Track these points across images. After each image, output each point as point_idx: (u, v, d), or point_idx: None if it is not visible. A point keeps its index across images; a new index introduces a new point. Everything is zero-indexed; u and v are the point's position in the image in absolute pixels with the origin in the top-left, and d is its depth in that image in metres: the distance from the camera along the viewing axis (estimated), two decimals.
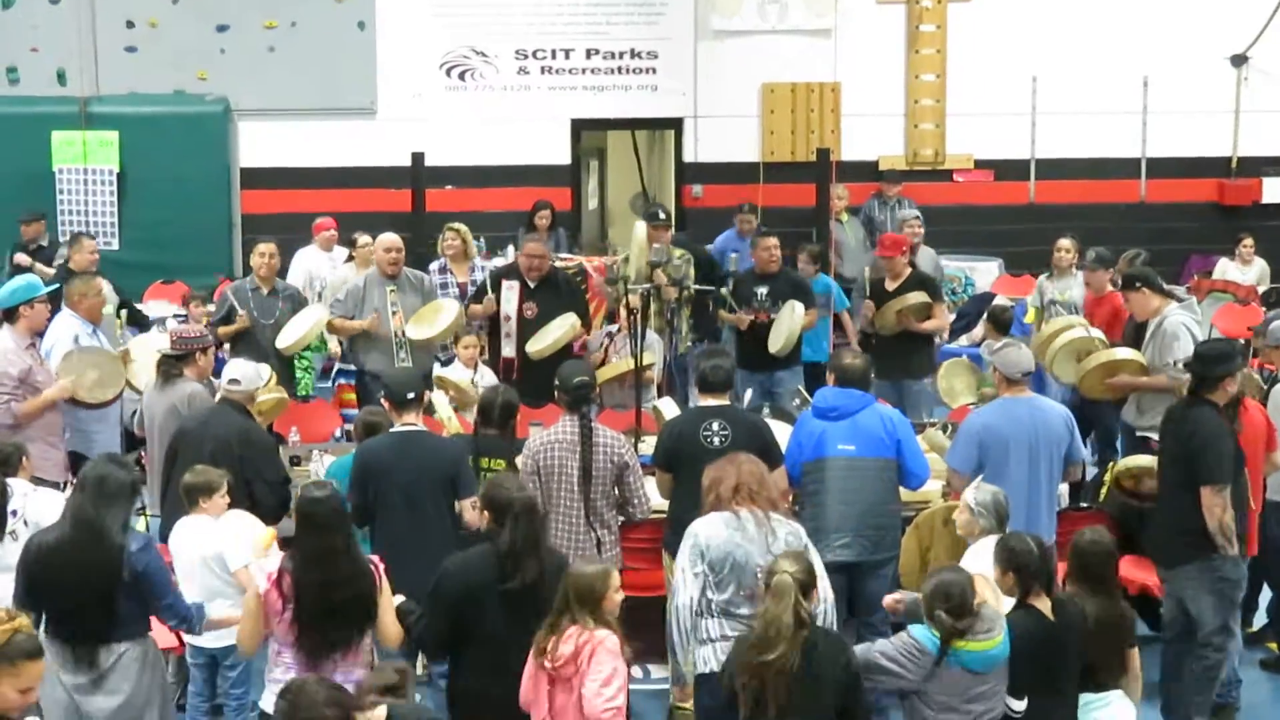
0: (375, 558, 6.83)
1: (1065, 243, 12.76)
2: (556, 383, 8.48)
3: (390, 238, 11.93)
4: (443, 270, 12.76)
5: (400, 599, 6.81)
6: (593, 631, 6.21)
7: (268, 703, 6.57)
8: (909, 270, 12.31)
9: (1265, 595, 9.73)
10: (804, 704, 6.12)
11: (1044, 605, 6.66)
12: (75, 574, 6.66)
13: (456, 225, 13.08)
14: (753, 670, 6.11)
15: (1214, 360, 8.28)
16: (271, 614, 6.58)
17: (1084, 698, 6.85)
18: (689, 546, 6.99)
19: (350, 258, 13.91)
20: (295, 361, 12.00)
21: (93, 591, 6.66)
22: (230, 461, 8.16)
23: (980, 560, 7.13)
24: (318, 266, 14.17)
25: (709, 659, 6.89)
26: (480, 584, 6.54)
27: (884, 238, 13.04)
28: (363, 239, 13.65)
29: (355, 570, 6.60)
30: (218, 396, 8.94)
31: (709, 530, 6.99)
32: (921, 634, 6.46)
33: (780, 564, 6.30)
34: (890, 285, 12.20)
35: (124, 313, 12.97)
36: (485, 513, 6.85)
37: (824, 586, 6.91)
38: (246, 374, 8.78)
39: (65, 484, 9.61)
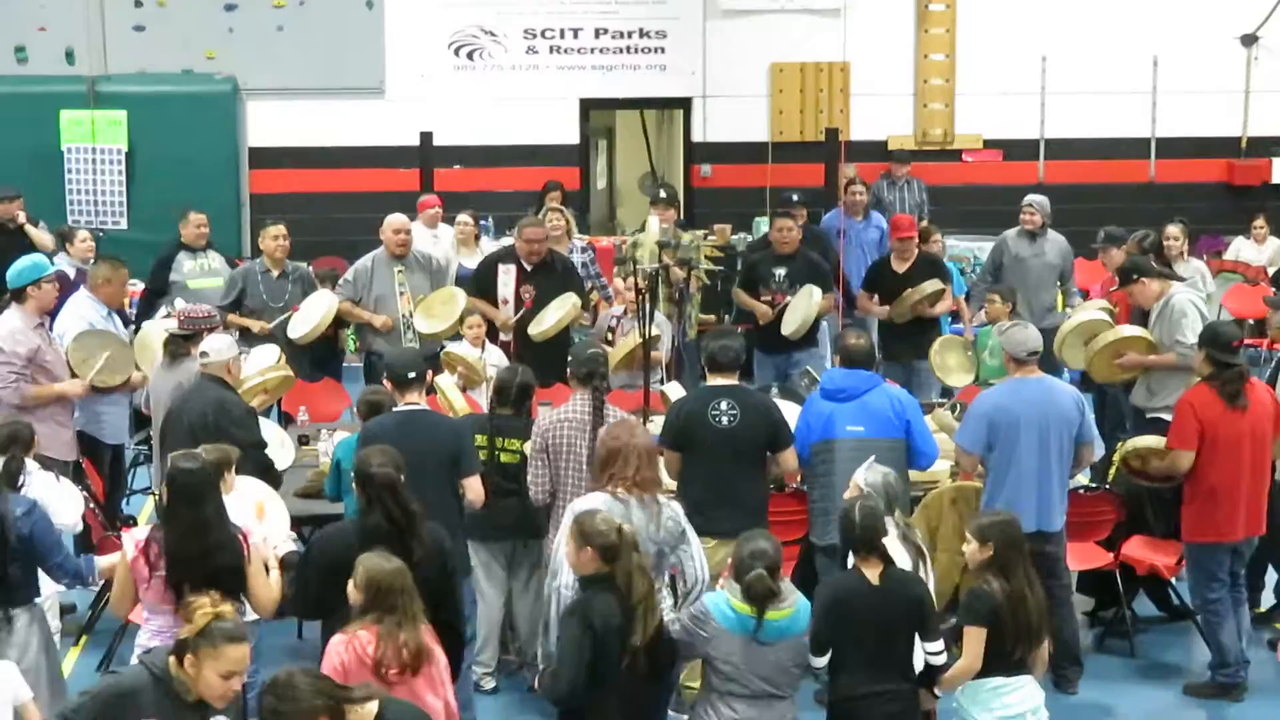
0: (243, 527, 6.92)
1: (1174, 230, 12.46)
2: (570, 359, 8.52)
3: (399, 218, 11.94)
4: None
5: (290, 547, 6.99)
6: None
7: None
8: (917, 251, 12.29)
9: (1272, 576, 9.75)
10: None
11: (872, 571, 6.59)
12: None
13: (558, 206, 13.02)
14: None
15: None
16: (139, 581, 6.70)
17: (995, 681, 6.76)
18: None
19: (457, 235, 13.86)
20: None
21: None
22: (207, 432, 8.21)
23: None
24: (420, 243, 14.02)
25: None
26: (346, 558, 6.47)
27: (895, 218, 13.00)
28: (461, 218, 13.66)
29: (227, 538, 6.72)
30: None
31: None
32: (710, 601, 6.45)
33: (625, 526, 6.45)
34: (899, 267, 12.18)
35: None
36: (355, 486, 6.92)
37: (697, 567, 7.16)
38: (216, 346, 8.81)
39: (74, 464, 9.68)
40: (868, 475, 7.32)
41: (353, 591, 6.10)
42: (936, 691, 6.83)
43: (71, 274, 12.09)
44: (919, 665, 6.68)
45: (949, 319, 13.06)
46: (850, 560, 6.70)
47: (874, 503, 6.82)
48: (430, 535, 6.88)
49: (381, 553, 6.24)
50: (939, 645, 6.67)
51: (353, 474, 7.06)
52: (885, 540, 6.77)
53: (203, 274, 12.17)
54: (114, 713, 5.47)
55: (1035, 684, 6.90)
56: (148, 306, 12.23)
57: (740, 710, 6.47)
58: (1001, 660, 6.75)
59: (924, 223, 14.26)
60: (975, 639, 6.70)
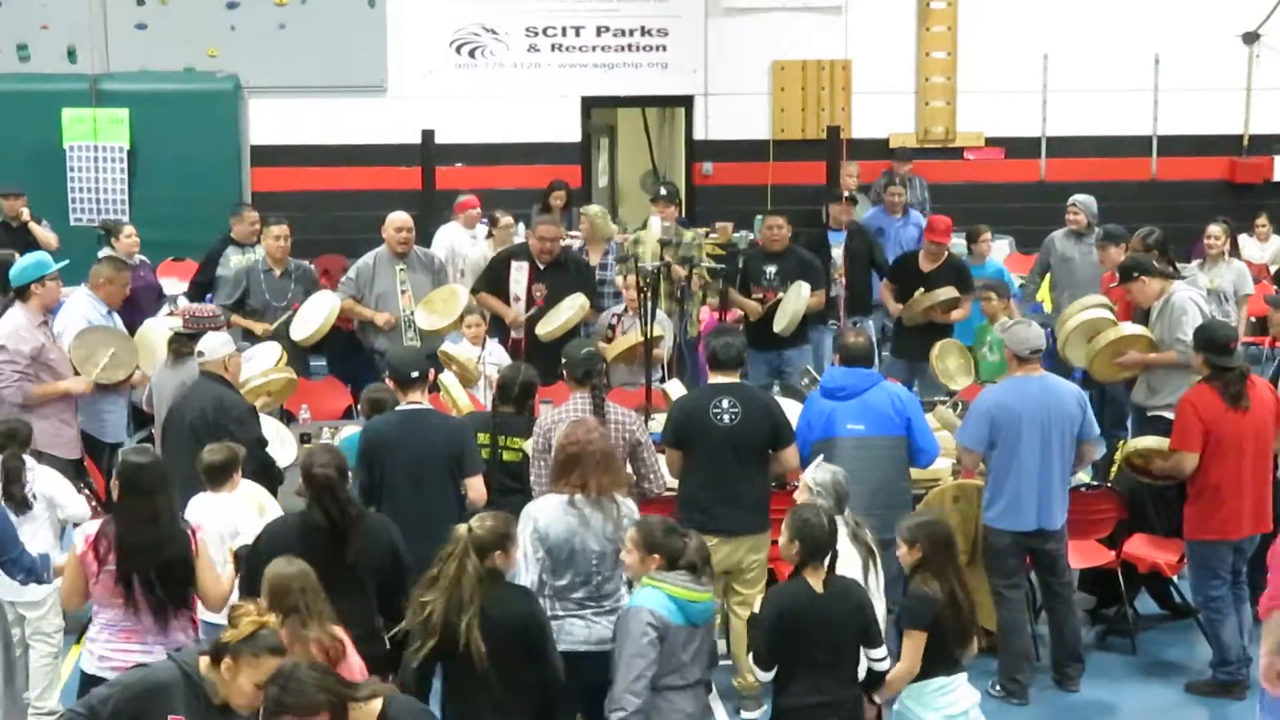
0: (192, 522, 6.97)
1: (1215, 229, 12.44)
2: (564, 360, 8.50)
3: (400, 216, 11.95)
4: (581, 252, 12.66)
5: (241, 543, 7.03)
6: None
7: (89, 664, 6.77)
8: (946, 255, 12.29)
9: None
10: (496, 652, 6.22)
11: (816, 579, 6.58)
12: None
13: (587, 209, 13.01)
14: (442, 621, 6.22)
15: None
16: (88, 576, 6.73)
17: (938, 681, 6.77)
18: (529, 532, 6.98)
19: (490, 235, 13.83)
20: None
21: None
22: (207, 430, 8.23)
23: None
24: (460, 243, 14.00)
25: None
26: (288, 552, 6.55)
27: (933, 219, 12.91)
28: (504, 219, 13.67)
29: (177, 531, 6.78)
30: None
31: (549, 517, 6.97)
32: (646, 603, 6.39)
33: (471, 520, 6.44)
34: (926, 266, 12.19)
35: None
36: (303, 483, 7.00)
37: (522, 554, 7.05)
38: (212, 344, 8.83)
39: (77, 462, 9.70)
40: (816, 474, 7.32)
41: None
42: (876, 697, 6.83)
43: None
44: (862, 673, 6.69)
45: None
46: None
47: (829, 511, 6.81)
48: (373, 534, 6.94)
49: (289, 557, 6.30)
50: (883, 652, 6.67)
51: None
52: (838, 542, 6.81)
53: None
54: (142, 705, 5.47)
55: (969, 682, 6.93)
56: (196, 299, 12.24)
57: (678, 703, 6.48)
58: (942, 661, 6.77)
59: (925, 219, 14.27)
60: (916, 642, 6.71)
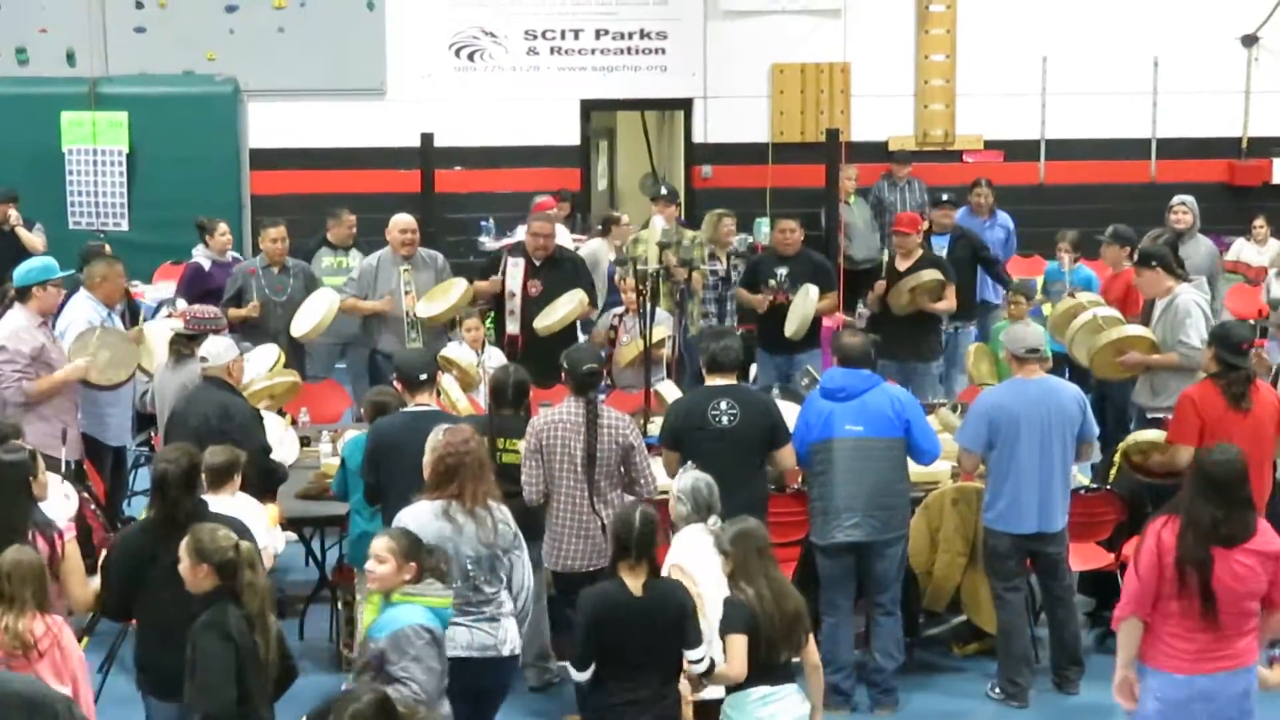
0: (60, 525, 6.95)
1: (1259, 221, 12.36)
2: (564, 366, 8.45)
3: (405, 218, 11.98)
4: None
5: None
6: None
7: None
8: (920, 250, 12.30)
9: None
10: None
11: (635, 579, 6.56)
12: None
13: (713, 211, 13.07)
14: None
15: None
16: None
17: (760, 690, 6.68)
18: None
19: (607, 233, 13.92)
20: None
21: None
22: (212, 436, 8.20)
23: (681, 548, 7.12)
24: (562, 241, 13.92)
25: None
26: (139, 555, 6.59)
27: (901, 216, 12.97)
28: (623, 218, 13.84)
29: (33, 528, 6.76)
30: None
31: (418, 523, 6.91)
32: (408, 619, 6.30)
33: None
34: (902, 265, 12.19)
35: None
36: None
37: (524, 572, 7.08)
38: (215, 350, 8.81)
39: (76, 464, 9.67)
40: (680, 480, 7.31)
41: None
42: (690, 696, 6.80)
43: (207, 265, 12.40)
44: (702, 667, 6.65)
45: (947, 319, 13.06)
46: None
47: (653, 512, 6.76)
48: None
49: (20, 545, 6.32)
50: (700, 653, 6.61)
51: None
52: (700, 549, 6.86)
53: (335, 271, 12.34)
54: None
55: (799, 694, 6.81)
56: None
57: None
58: (765, 669, 6.68)
59: (927, 224, 14.25)
60: (736, 646, 6.62)
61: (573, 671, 6.62)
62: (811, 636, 6.92)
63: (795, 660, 6.84)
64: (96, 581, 6.97)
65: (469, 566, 6.94)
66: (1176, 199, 13.04)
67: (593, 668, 6.54)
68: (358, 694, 5.38)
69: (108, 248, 12.82)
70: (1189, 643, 6.43)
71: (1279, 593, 6.48)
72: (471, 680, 6.82)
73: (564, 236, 13.44)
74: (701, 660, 6.60)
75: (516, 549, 7.14)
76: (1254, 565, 6.41)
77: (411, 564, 6.38)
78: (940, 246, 13.00)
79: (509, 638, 7.05)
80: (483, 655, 6.93)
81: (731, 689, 6.72)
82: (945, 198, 13.38)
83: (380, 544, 6.44)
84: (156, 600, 6.53)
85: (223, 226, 12.82)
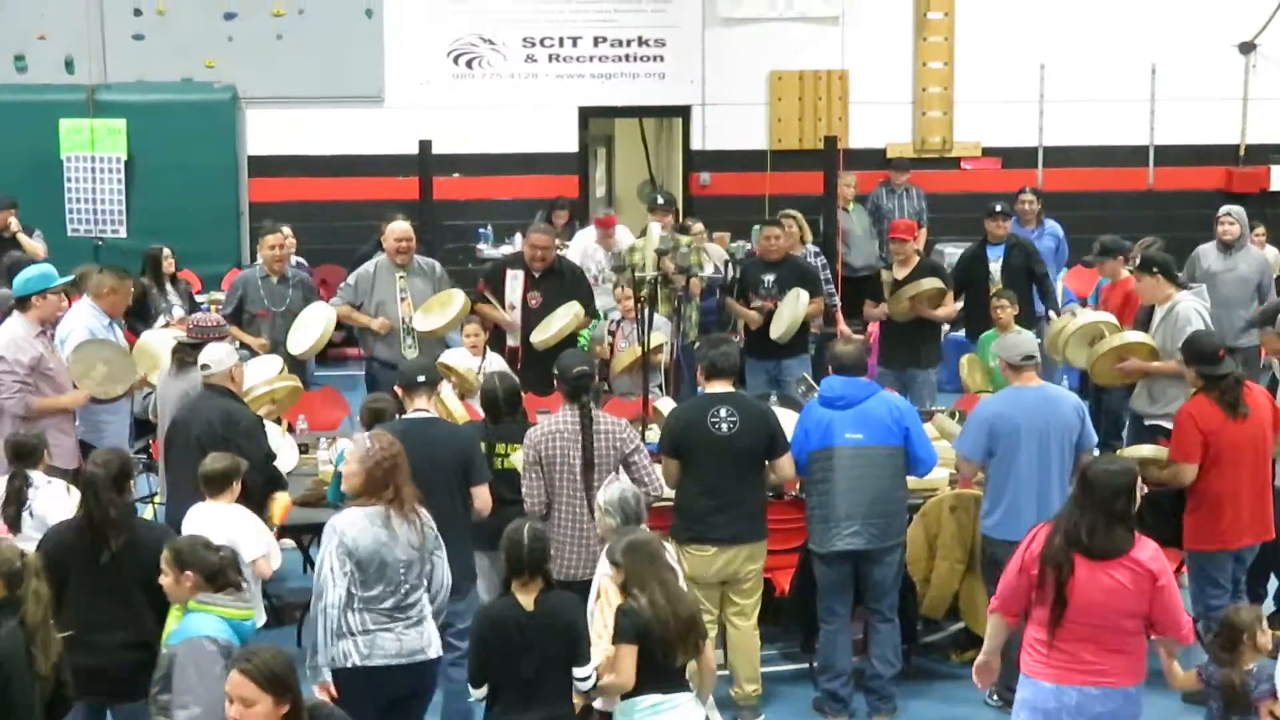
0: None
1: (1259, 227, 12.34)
2: (556, 372, 8.45)
3: (401, 226, 11.93)
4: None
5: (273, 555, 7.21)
6: None
7: None
8: (917, 257, 12.30)
9: (1274, 583, 9.74)
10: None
11: (527, 595, 6.56)
12: None
13: (791, 212, 13.06)
14: None
15: None
16: None
17: (651, 699, 6.64)
18: (335, 545, 6.89)
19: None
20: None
21: None
22: (215, 443, 8.19)
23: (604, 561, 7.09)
24: (593, 249, 13.57)
25: (350, 652, 6.88)
26: (64, 553, 6.63)
27: (896, 222, 12.96)
28: (695, 226, 13.72)
29: None
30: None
31: (355, 529, 6.89)
32: (203, 631, 6.28)
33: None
34: (899, 272, 12.19)
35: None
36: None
37: (443, 573, 7.10)
38: (216, 356, 8.78)
39: (76, 471, 9.66)
40: (606, 492, 7.29)
41: None
42: (595, 704, 6.79)
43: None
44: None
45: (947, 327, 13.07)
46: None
47: (541, 528, 6.77)
48: (145, 540, 6.90)
49: None
50: (587, 671, 6.60)
51: None
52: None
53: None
54: None
55: (694, 701, 6.79)
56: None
57: None
58: (654, 677, 6.65)
59: (923, 228, 14.28)
60: (625, 656, 6.60)
61: (470, 689, 6.65)
62: (709, 641, 6.94)
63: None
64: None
65: (401, 571, 6.94)
66: (1223, 210, 12.84)
67: (486, 686, 6.56)
68: None
69: (168, 255, 12.80)
70: (1055, 651, 6.43)
71: (1161, 614, 6.43)
72: (398, 686, 6.89)
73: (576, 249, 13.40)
74: (588, 678, 6.62)
75: (437, 549, 7.17)
76: (1125, 582, 6.34)
77: (188, 573, 6.35)
78: (995, 258, 12.82)
79: (433, 640, 7.08)
80: (411, 660, 6.95)
81: (622, 697, 6.69)
82: (999, 208, 13.00)
83: (162, 555, 6.46)
84: (76, 597, 6.67)
85: (285, 229, 12.40)
